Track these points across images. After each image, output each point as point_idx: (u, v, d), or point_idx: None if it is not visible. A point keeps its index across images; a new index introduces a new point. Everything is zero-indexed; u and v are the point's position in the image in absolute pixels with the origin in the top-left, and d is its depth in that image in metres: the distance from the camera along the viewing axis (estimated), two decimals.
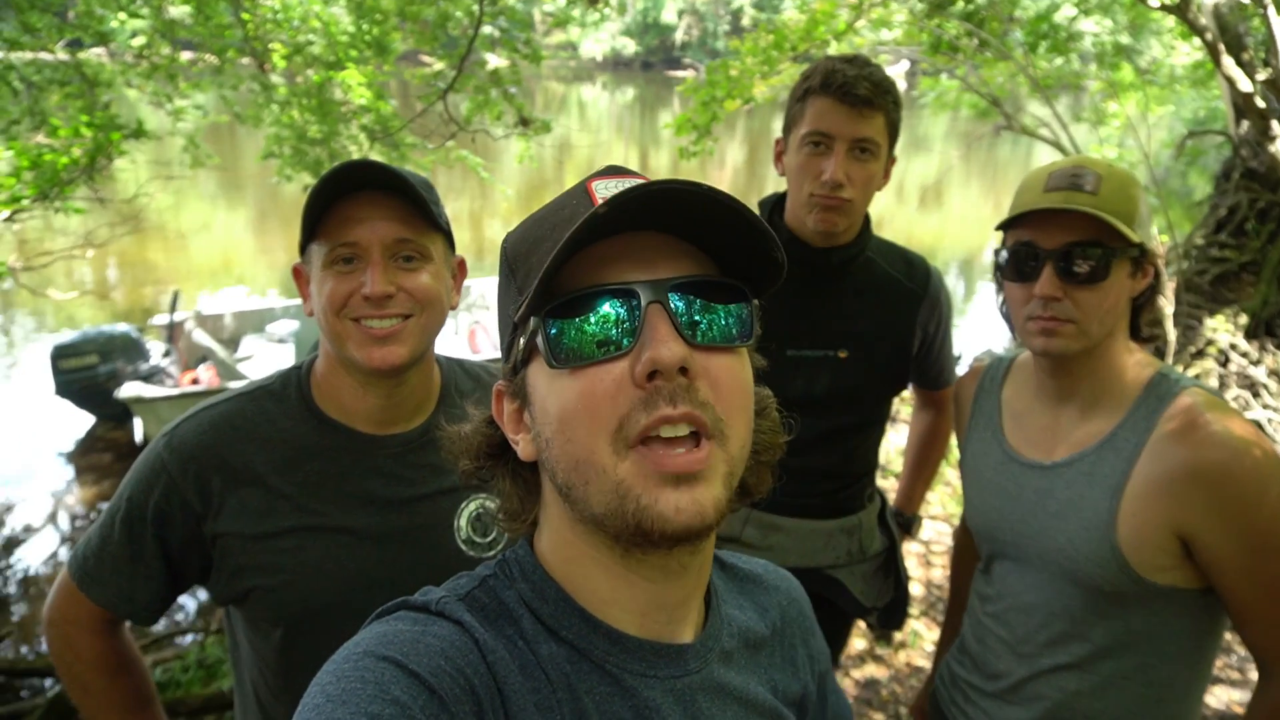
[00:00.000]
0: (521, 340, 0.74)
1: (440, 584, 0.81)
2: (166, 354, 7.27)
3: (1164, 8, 5.39)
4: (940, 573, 4.44)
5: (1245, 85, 4.91)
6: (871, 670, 3.74)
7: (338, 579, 1.31)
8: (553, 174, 15.09)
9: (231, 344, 8.06)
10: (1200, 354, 5.75)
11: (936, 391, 2.24)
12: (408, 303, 1.27)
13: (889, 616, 2.20)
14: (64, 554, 5.65)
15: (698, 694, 0.78)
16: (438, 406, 1.43)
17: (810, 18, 6.58)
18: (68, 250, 6.20)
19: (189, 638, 4.52)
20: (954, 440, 1.90)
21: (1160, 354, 4.46)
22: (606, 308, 0.70)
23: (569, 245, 0.67)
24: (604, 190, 0.73)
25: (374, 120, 6.56)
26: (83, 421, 7.27)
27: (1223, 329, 5.75)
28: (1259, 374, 5.56)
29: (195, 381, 6.95)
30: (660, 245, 0.72)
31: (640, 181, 0.74)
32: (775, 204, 2.00)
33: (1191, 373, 5.52)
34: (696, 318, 0.71)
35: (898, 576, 2.18)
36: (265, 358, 7.71)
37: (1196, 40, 6.07)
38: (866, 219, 1.96)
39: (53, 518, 6.10)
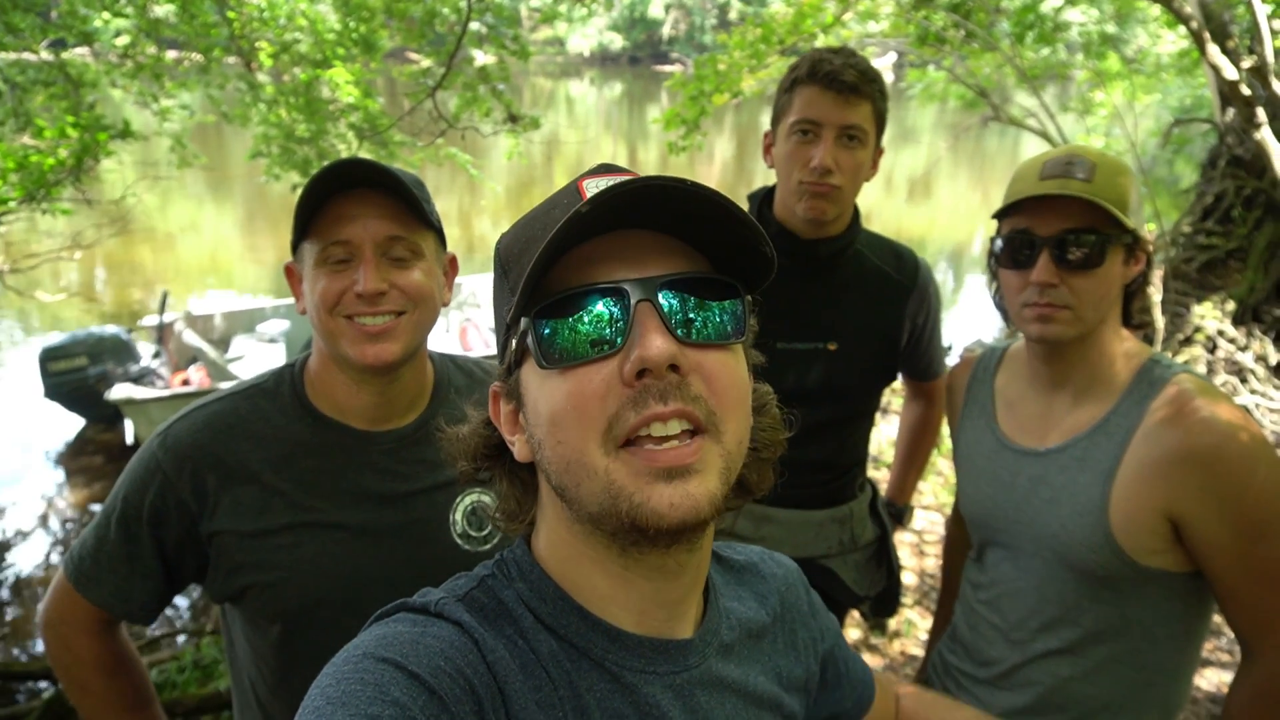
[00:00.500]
0: (514, 341, 0.74)
1: (437, 578, 0.81)
2: (156, 355, 7.23)
3: None
4: (933, 562, 4.47)
5: (1230, 73, 4.93)
6: (866, 659, 3.75)
7: (334, 575, 1.31)
8: (542, 170, 15.07)
9: (222, 344, 8.02)
10: (1188, 341, 5.79)
11: (926, 382, 2.26)
12: (400, 300, 1.28)
13: (882, 605, 2.22)
14: (56, 557, 5.63)
15: (697, 689, 0.78)
16: (431, 402, 1.43)
17: (797, 11, 6.58)
18: (55, 252, 6.17)
19: (184, 639, 4.51)
20: (946, 430, 1.91)
21: (1149, 341, 4.49)
22: (596, 307, 0.70)
23: (552, 246, 0.67)
24: (594, 189, 0.73)
25: (362, 118, 6.53)
26: (73, 424, 7.23)
27: (1210, 316, 5.79)
28: (1246, 359, 5.61)
29: (186, 382, 6.92)
30: (651, 243, 0.72)
31: (628, 179, 0.74)
32: (764, 197, 2.01)
33: (1180, 359, 5.55)
34: (691, 315, 0.71)
35: (890, 565, 2.20)
36: (256, 358, 7.67)
37: (1182, 29, 6.10)
38: (856, 212, 1.97)
39: (44, 521, 6.07)
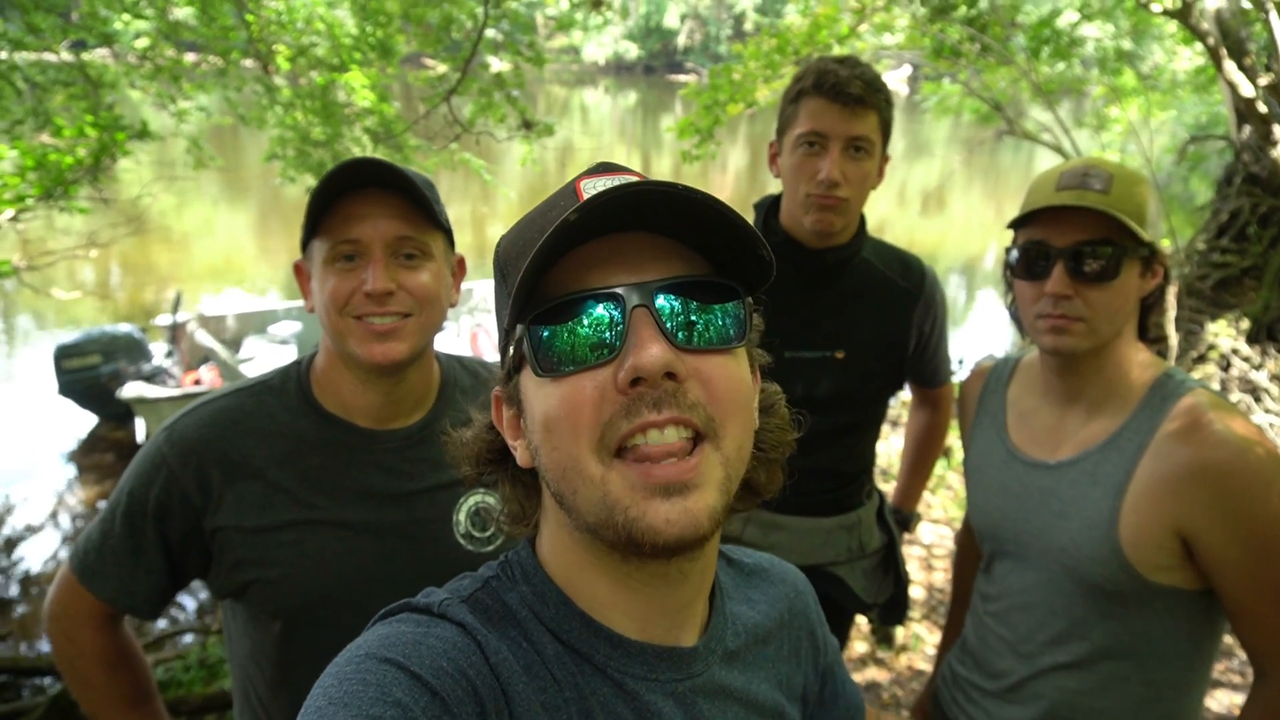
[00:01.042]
0: (512, 347, 0.74)
1: (439, 578, 0.81)
2: (169, 354, 7.28)
3: (1166, 12, 5.40)
4: (942, 576, 4.44)
5: (1247, 90, 4.91)
6: (873, 673, 3.73)
7: (336, 573, 1.31)
8: (555, 177, 15.11)
9: (234, 345, 8.07)
10: (1202, 359, 5.75)
11: (932, 390, 2.26)
12: (408, 301, 1.28)
13: (889, 612, 2.22)
14: (65, 553, 5.65)
15: (699, 697, 0.78)
16: (437, 402, 1.43)
17: (813, 22, 6.59)
18: (71, 250, 6.22)
19: (190, 637, 4.53)
20: (958, 443, 1.91)
21: (1163, 358, 4.46)
22: (592, 312, 0.68)
23: (541, 255, 0.66)
24: (591, 189, 0.72)
25: (377, 122, 6.57)
26: (85, 421, 7.28)
27: (1224, 334, 5.75)
28: (1261, 378, 5.56)
29: (198, 382, 6.97)
30: (650, 246, 0.71)
31: (627, 180, 0.73)
32: (770, 206, 2.01)
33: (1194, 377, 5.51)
34: (693, 318, 0.70)
35: (897, 573, 2.20)
36: (267, 359, 7.71)
37: (1198, 45, 6.08)
38: (862, 220, 1.98)
39: (54, 517, 6.11)
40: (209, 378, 7.02)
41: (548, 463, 0.71)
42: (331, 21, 6.77)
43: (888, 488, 2.47)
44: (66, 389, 6.87)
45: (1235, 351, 5.69)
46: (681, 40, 57.39)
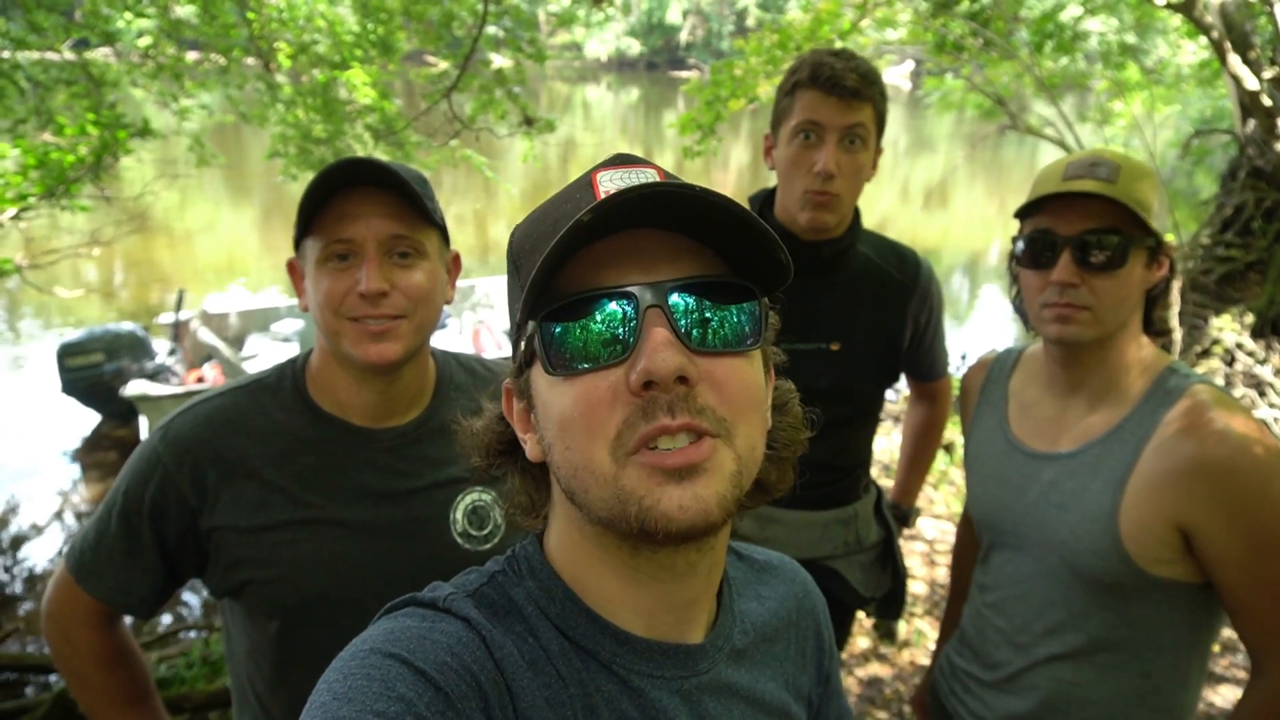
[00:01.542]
0: (523, 342, 0.73)
1: (436, 576, 0.81)
2: (172, 352, 7.29)
3: (1170, 6, 5.37)
4: (944, 572, 4.43)
5: (1251, 83, 4.89)
6: (875, 669, 3.73)
7: (332, 572, 1.31)
8: (557, 173, 15.10)
9: (237, 343, 8.08)
10: (1206, 353, 5.73)
11: (929, 383, 2.26)
12: (402, 301, 1.27)
13: (887, 606, 2.22)
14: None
15: (705, 695, 0.78)
16: (433, 400, 1.43)
17: (815, 17, 6.58)
18: (74, 248, 6.23)
19: (193, 634, 4.54)
20: (960, 438, 1.90)
21: (1167, 352, 4.45)
22: (604, 311, 0.67)
23: (554, 254, 0.65)
24: (608, 183, 0.71)
25: (379, 119, 6.58)
26: (88, 419, 7.29)
27: (1229, 328, 5.73)
28: (1265, 373, 5.54)
29: (201, 380, 6.97)
30: (664, 244, 0.69)
31: (644, 174, 0.72)
32: (765, 198, 2.01)
33: (1198, 371, 5.50)
34: (708, 315, 0.69)
35: (895, 567, 2.20)
36: (270, 357, 7.71)
37: (1203, 39, 6.05)
38: (856, 212, 1.98)
39: (58, 515, 6.13)
40: (212, 376, 7.03)
41: (560, 460, 0.70)
42: (333, 19, 6.77)
43: (889, 483, 2.47)
44: (70, 387, 6.88)
45: (1239, 346, 5.67)
46: (684, 36, 57.31)
